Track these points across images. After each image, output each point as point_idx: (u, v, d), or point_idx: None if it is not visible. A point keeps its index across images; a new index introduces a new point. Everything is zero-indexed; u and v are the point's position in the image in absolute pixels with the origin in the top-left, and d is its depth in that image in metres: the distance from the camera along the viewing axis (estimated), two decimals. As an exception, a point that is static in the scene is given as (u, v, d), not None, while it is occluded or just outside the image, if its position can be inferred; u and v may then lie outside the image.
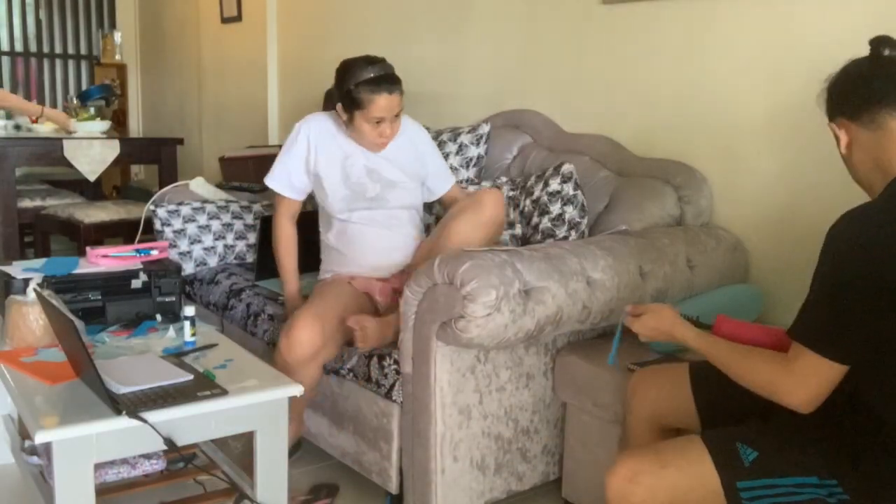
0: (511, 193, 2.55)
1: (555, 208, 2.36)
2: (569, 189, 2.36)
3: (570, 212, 2.34)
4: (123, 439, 1.61)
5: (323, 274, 2.44)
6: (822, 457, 1.35)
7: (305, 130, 2.36)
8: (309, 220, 2.49)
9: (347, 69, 2.26)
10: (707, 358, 1.50)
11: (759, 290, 2.27)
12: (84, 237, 3.66)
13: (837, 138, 1.45)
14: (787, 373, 1.34)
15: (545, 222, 2.36)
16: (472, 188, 2.65)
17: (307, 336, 2.07)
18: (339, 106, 2.30)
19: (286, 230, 2.43)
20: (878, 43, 1.41)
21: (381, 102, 2.22)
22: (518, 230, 2.47)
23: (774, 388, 1.35)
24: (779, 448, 1.38)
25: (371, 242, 2.34)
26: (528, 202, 2.46)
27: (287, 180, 2.39)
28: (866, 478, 1.32)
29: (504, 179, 2.64)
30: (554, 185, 2.37)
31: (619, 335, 1.69)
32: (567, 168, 2.38)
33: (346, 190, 2.33)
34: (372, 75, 2.22)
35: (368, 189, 2.34)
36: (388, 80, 2.23)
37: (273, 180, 2.40)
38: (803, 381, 1.32)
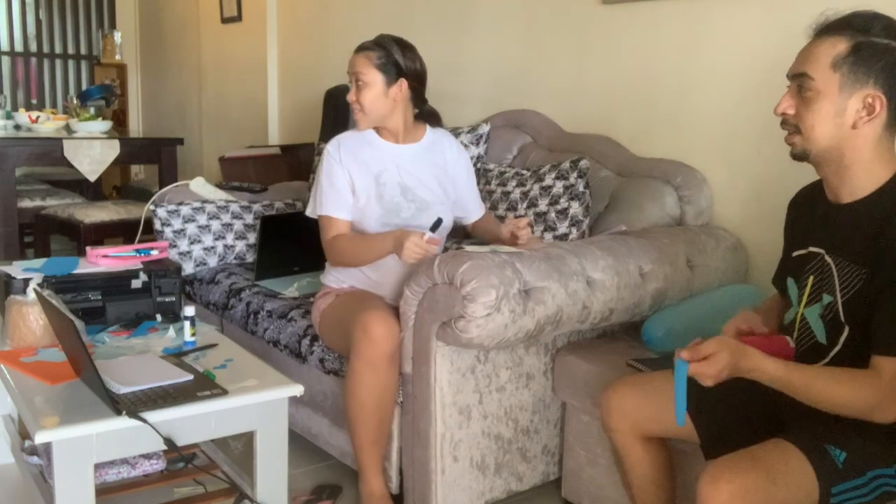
0: (520, 171, 2.57)
1: (563, 201, 2.36)
2: (580, 185, 2.36)
3: (576, 207, 2.34)
4: (123, 439, 1.61)
5: (338, 283, 2.31)
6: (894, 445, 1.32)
7: (334, 149, 2.27)
8: (304, 220, 2.45)
9: None
10: (784, 386, 1.35)
11: (759, 290, 2.27)
12: (84, 237, 3.66)
13: (861, 102, 1.35)
14: (886, 392, 1.29)
15: (551, 213, 2.37)
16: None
17: (386, 328, 1.98)
18: None
19: (343, 238, 2.23)
20: None
21: (351, 60, 2.26)
22: (521, 210, 2.47)
23: (871, 410, 1.30)
24: (863, 443, 1.32)
25: (394, 267, 2.17)
26: (536, 188, 2.45)
27: (338, 201, 2.24)
28: None
29: (507, 165, 2.64)
30: (571, 178, 2.38)
31: (684, 386, 1.36)
32: (584, 164, 2.38)
33: (381, 209, 2.23)
34: None
35: (403, 209, 2.24)
36: (364, 43, 2.26)
37: (325, 207, 2.24)
38: None
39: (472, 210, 2.43)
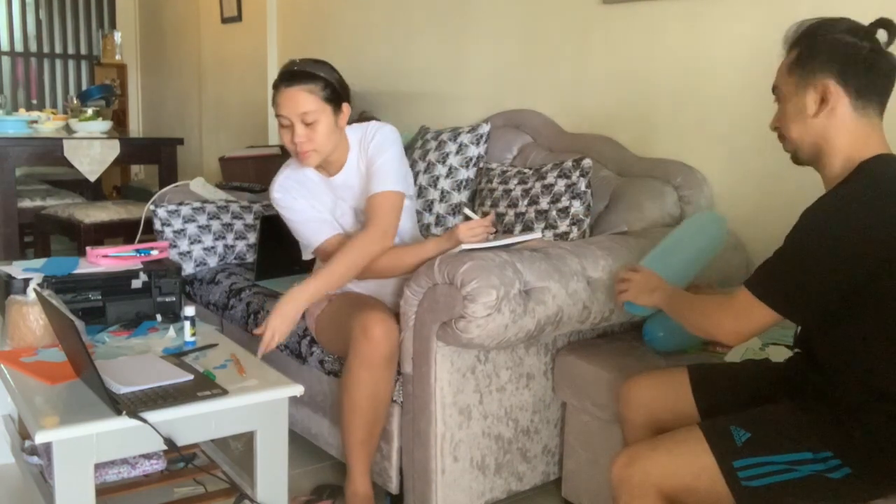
0: (522, 170, 2.57)
1: (564, 199, 2.36)
2: (582, 184, 2.36)
3: (577, 207, 2.34)
4: (123, 439, 1.61)
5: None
6: (815, 431, 1.38)
7: (283, 192, 2.17)
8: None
9: None
10: (669, 309, 1.67)
11: (720, 215, 2.12)
12: (84, 237, 3.66)
13: (815, 93, 1.43)
14: (730, 313, 1.47)
15: (552, 211, 2.37)
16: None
17: (385, 330, 1.96)
18: None
19: (345, 247, 2.09)
20: (877, 24, 1.43)
21: (279, 98, 2.03)
22: (522, 208, 2.47)
23: (716, 327, 1.50)
24: (770, 428, 1.42)
25: (383, 283, 2.20)
26: (538, 185, 2.45)
27: (322, 223, 2.17)
28: (862, 445, 1.35)
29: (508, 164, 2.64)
30: (573, 176, 2.37)
31: None
32: (587, 163, 2.38)
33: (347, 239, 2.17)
34: (283, 70, 2.06)
35: None
36: (291, 74, 2.03)
37: (316, 237, 2.16)
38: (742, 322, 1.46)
39: (377, 183, 2.11)
